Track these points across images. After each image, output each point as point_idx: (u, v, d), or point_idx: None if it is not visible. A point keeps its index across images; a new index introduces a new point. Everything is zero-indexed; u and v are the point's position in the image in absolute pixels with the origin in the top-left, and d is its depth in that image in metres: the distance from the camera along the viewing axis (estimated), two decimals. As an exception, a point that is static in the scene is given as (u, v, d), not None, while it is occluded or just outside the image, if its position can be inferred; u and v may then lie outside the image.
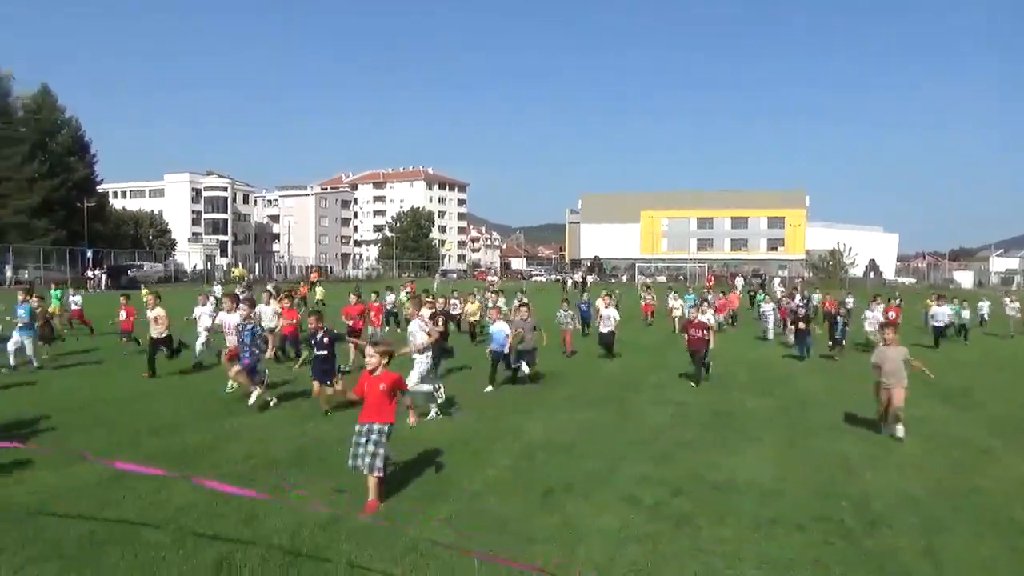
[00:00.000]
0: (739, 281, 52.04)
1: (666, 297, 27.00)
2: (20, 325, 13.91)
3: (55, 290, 22.56)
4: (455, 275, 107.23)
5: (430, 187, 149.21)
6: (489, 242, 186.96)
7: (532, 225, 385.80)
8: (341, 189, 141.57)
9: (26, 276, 56.92)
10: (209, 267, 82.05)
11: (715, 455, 8.31)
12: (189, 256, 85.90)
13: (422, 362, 10.15)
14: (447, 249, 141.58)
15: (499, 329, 12.74)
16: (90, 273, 58.41)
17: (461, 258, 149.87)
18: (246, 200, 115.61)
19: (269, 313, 15.27)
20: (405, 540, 5.48)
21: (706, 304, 15.82)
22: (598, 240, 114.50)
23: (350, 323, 14.86)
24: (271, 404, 10.43)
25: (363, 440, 6.13)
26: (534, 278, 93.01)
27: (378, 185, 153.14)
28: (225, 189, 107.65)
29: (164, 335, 13.41)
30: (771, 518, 6.24)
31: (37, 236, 63.34)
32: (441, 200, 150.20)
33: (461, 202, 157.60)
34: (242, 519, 5.83)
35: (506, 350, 12.55)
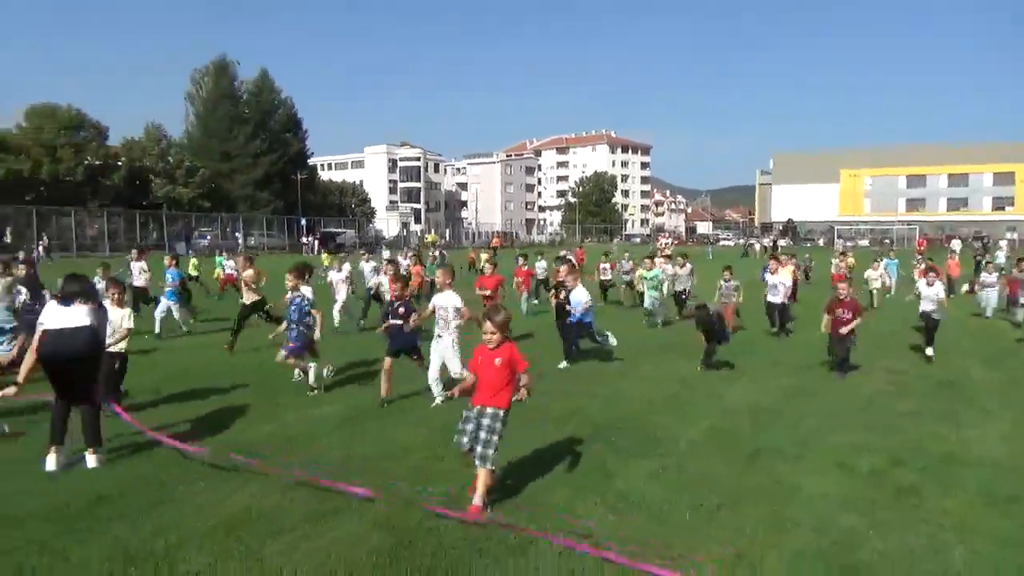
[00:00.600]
0: (955, 244, 46.95)
1: (871, 265, 21.76)
2: (168, 290, 14.16)
3: (219, 256, 24.22)
4: (638, 239, 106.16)
5: (613, 151, 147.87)
6: (673, 206, 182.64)
7: (719, 187, 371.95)
8: (525, 156, 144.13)
9: (252, 243, 63.87)
10: (405, 233, 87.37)
11: (938, 426, 7.74)
12: (387, 223, 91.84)
13: (450, 341, 8.47)
14: (630, 213, 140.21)
15: (578, 298, 11.32)
16: (304, 239, 64.35)
17: (644, 222, 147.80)
18: (436, 169, 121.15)
19: (379, 282, 14.91)
20: (616, 492, 5.70)
21: (932, 274, 12.44)
22: (791, 202, 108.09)
23: (484, 296, 12.45)
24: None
25: (472, 426, 5.32)
26: (721, 242, 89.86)
27: (561, 151, 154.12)
28: (418, 159, 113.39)
29: (255, 300, 12.47)
30: (1008, 495, 5.76)
31: (260, 206, 70.65)
32: (624, 164, 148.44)
33: (644, 165, 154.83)
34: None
35: (576, 317, 11.17)
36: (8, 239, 45.73)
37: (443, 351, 8.46)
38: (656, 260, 21.74)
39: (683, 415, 8.16)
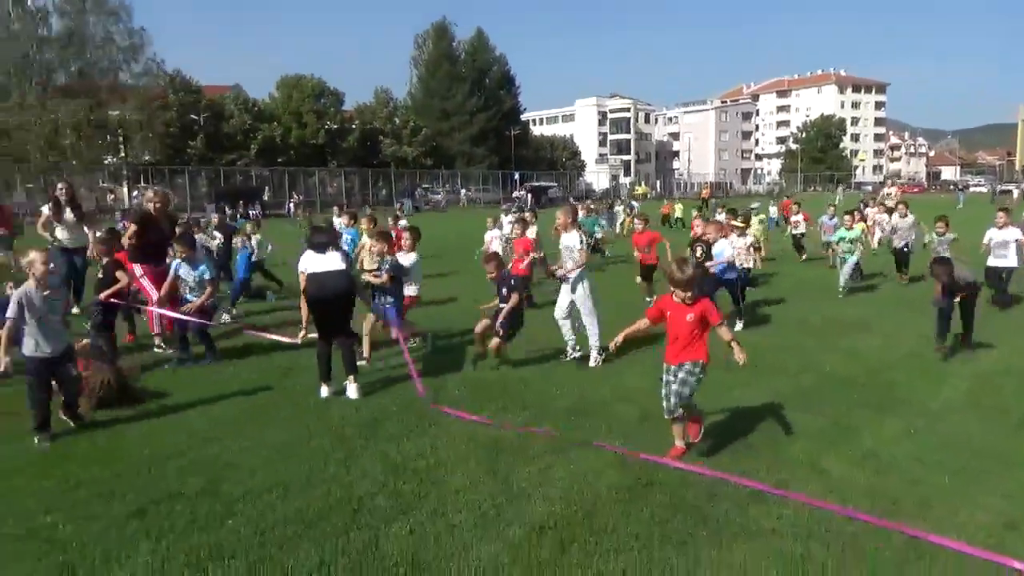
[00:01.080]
0: None
1: None
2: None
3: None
4: (869, 187, 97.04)
5: (842, 91, 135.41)
6: (912, 150, 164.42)
7: (968, 127, 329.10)
8: (742, 101, 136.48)
9: (470, 196, 67.07)
10: (614, 186, 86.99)
11: None
12: (597, 176, 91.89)
13: (580, 286, 8.09)
14: (860, 159, 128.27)
15: (719, 251, 9.90)
16: (516, 193, 66.28)
17: (877, 169, 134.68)
18: (647, 119, 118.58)
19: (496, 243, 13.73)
20: (862, 448, 5.45)
21: None
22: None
23: (638, 255, 12.17)
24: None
25: (673, 379, 5.21)
26: (971, 188, 79.57)
27: (782, 94, 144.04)
28: (628, 110, 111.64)
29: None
30: None
31: (476, 162, 73.70)
32: (855, 105, 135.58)
33: (879, 105, 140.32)
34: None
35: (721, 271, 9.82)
36: (267, 197, 51.76)
37: (576, 300, 8.10)
38: (868, 211, 18.33)
39: (932, 375, 7.51)
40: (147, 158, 54.13)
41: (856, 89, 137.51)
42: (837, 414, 6.20)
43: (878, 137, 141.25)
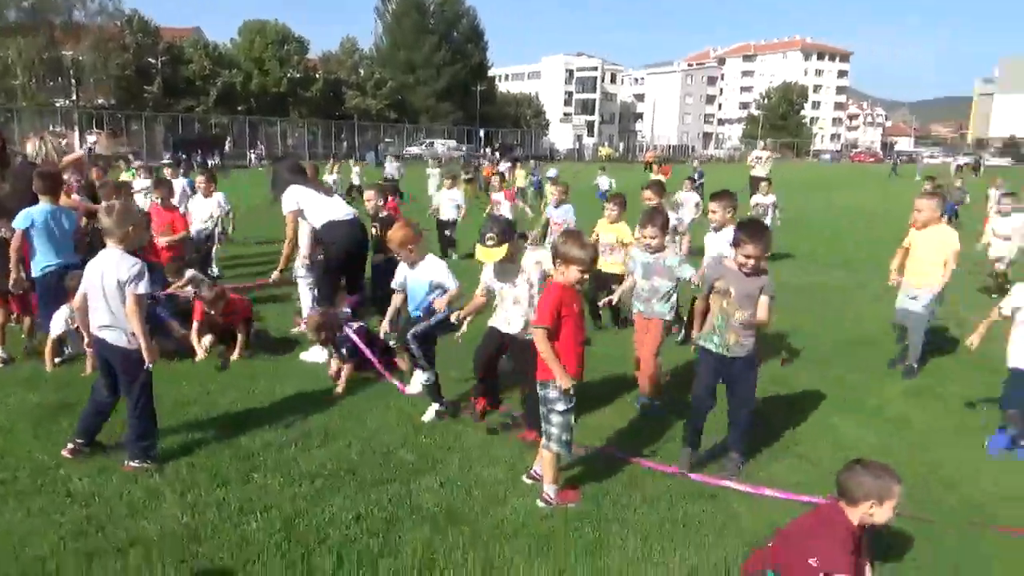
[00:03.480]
0: None
1: None
2: None
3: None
4: (828, 156, 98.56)
5: (807, 58, 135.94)
6: (870, 119, 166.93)
7: (924, 99, 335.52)
8: (708, 65, 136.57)
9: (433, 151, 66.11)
10: (578, 146, 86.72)
11: None
12: (561, 135, 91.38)
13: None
14: (819, 128, 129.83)
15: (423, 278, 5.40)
16: (485, 151, 65.68)
17: (835, 137, 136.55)
18: (613, 80, 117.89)
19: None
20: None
21: None
22: (1018, 114, 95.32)
23: None
24: None
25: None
26: (925, 161, 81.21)
27: (748, 58, 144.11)
28: (595, 69, 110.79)
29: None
30: None
31: (441, 117, 72.48)
32: (818, 72, 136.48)
33: (842, 74, 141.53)
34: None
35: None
36: (228, 148, 50.37)
37: None
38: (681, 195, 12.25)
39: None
40: (100, 102, 52.07)
41: (820, 57, 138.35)
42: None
43: (838, 106, 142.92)
